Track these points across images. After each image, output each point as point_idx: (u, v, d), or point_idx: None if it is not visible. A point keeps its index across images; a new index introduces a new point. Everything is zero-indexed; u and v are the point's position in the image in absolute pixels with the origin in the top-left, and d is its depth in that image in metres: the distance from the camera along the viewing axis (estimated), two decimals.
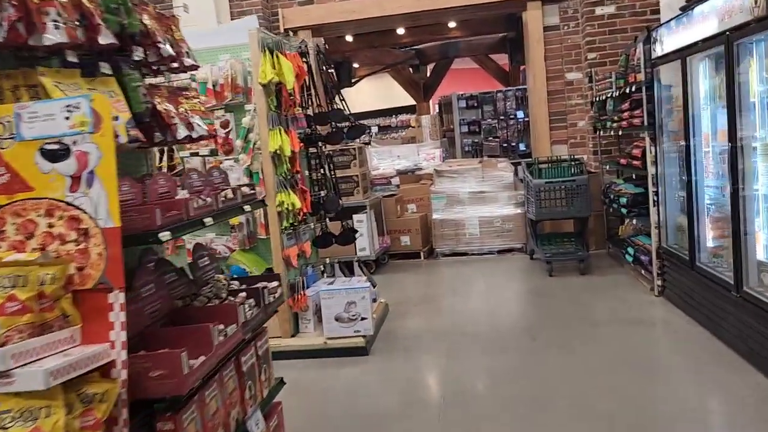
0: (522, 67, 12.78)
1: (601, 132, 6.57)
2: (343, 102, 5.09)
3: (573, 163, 6.40)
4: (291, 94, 4.30)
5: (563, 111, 7.35)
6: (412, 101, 15.56)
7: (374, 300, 5.11)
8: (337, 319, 4.23)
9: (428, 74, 15.01)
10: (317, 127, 4.99)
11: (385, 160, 8.60)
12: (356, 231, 5.25)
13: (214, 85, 4.51)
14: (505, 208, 7.23)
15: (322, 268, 5.07)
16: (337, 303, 4.22)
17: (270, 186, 4.25)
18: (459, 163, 7.71)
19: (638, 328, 4.32)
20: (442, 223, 7.28)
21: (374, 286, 5.17)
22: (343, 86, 14.69)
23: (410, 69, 14.73)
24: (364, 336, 4.24)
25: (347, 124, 5.05)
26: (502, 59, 14.00)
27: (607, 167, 6.61)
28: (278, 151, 4.18)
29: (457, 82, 14.68)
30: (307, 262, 4.73)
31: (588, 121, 7.15)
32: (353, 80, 13.33)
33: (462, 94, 11.66)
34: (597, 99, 6.61)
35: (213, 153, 4.63)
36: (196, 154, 4.63)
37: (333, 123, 4.98)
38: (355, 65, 15.05)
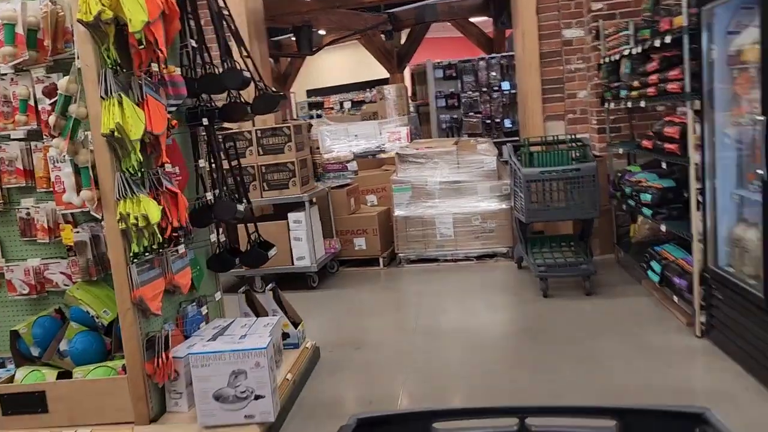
0: (508, 32, 11.18)
1: (612, 104, 5.03)
2: (249, 61, 3.48)
3: (574, 144, 4.86)
4: (143, 41, 2.67)
5: (559, 79, 5.79)
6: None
7: (296, 346, 3.57)
8: (218, 398, 2.69)
9: (402, 42, 13.34)
10: (210, 97, 3.41)
11: (339, 140, 7.02)
12: (271, 246, 3.68)
13: (31, 30, 2.89)
14: (485, 202, 5.68)
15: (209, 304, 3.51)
16: (216, 373, 2.68)
17: (106, 189, 2.67)
18: (428, 145, 6.13)
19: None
20: (407, 221, 5.73)
21: (296, 326, 3.63)
22: (303, 54, 13.05)
23: (382, 36, 13.05)
24: (260, 424, 2.71)
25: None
26: (486, 25, 12.38)
27: (620, 150, 5.07)
28: (117, 133, 2.59)
29: (434, 52, 13.02)
30: (189, 298, 3.18)
31: (591, 90, 5.60)
32: (314, 48, 11.65)
33: (438, 63, 10.04)
34: (606, 61, 5.05)
35: (35, 135, 3.03)
36: (7, 138, 3.03)
37: (232, 91, 3.39)
38: (321, 32, 13.39)
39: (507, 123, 9.76)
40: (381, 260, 5.82)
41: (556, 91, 5.79)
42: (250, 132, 5.21)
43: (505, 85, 9.78)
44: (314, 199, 5.44)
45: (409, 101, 10.06)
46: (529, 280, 4.91)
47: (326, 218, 5.74)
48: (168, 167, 2.92)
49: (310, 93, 20.00)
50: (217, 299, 3.48)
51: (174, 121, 2.99)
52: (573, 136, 4.95)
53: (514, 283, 5.01)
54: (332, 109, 19.00)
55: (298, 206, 5.25)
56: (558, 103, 5.80)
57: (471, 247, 5.67)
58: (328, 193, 5.78)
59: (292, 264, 5.21)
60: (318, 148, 6.02)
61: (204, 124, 3.31)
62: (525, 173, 4.55)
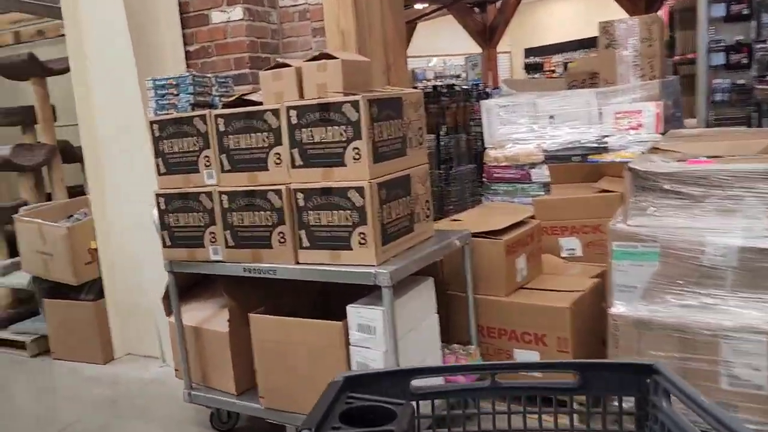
0: None
1: None
2: None
3: None
4: None
5: None
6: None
7: None
8: None
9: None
10: None
11: (520, 124, 3.79)
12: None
13: None
14: None
15: None
16: None
17: None
18: (713, 148, 2.64)
19: None
20: (643, 331, 2.39)
21: None
22: None
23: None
24: None
25: None
26: None
27: None
28: None
29: None
30: None
31: None
32: None
33: None
34: None
35: None
36: None
37: None
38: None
39: None
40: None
41: None
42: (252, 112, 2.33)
43: None
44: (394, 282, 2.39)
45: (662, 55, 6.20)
46: None
47: (457, 304, 2.67)
48: None
49: (529, 52, 16.43)
50: None
51: None
52: None
53: None
54: (553, 72, 15.25)
55: (369, 290, 2.27)
56: None
57: None
58: (467, 249, 2.66)
59: None
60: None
61: None
62: None
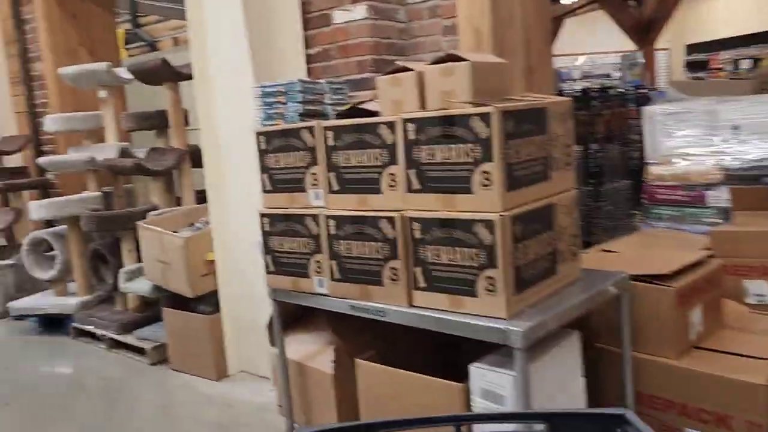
0: None
1: None
2: None
3: None
4: None
5: None
6: None
7: None
8: None
9: None
10: None
11: (692, 136, 3.11)
12: None
13: None
14: None
15: None
16: None
17: None
18: None
19: None
20: None
21: None
22: None
23: None
24: None
25: None
26: None
27: None
28: None
29: None
30: None
31: None
32: None
33: None
34: None
35: None
36: None
37: None
38: None
39: None
40: None
41: None
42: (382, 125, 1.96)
43: None
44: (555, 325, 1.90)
45: None
46: None
47: (608, 362, 2.13)
48: None
49: (691, 49, 14.84)
50: None
51: None
52: None
53: None
54: (720, 70, 13.65)
55: (492, 348, 1.82)
56: None
57: None
58: (624, 297, 2.12)
59: None
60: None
61: None
62: None
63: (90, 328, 4.41)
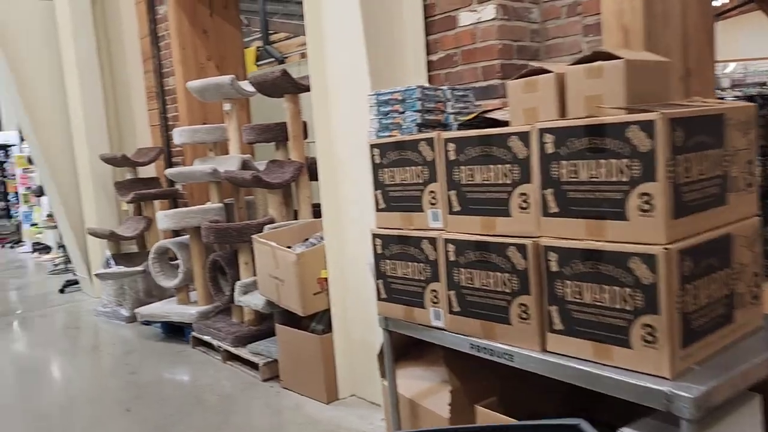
0: None
1: None
2: None
3: None
4: None
5: None
6: None
7: None
8: None
9: None
10: None
11: None
12: None
13: None
14: None
15: None
16: None
17: None
18: None
19: None
20: None
21: None
22: None
23: None
24: None
25: None
26: None
27: None
28: None
29: None
30: None
31: None
32: None
33: None
34: None
35: None
36: None
37: None
38: None
39: None
40: None
41: None
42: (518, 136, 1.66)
43: None
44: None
45: None
46: None
47: None
48: None
49: None
50: None
51: None
52: None
53: None
54: None
55: (646, 408, 1.46)
56: None
57: None
58: None
59: None
60: None
61: None
62: None
63: (207, 338, 4.44)
